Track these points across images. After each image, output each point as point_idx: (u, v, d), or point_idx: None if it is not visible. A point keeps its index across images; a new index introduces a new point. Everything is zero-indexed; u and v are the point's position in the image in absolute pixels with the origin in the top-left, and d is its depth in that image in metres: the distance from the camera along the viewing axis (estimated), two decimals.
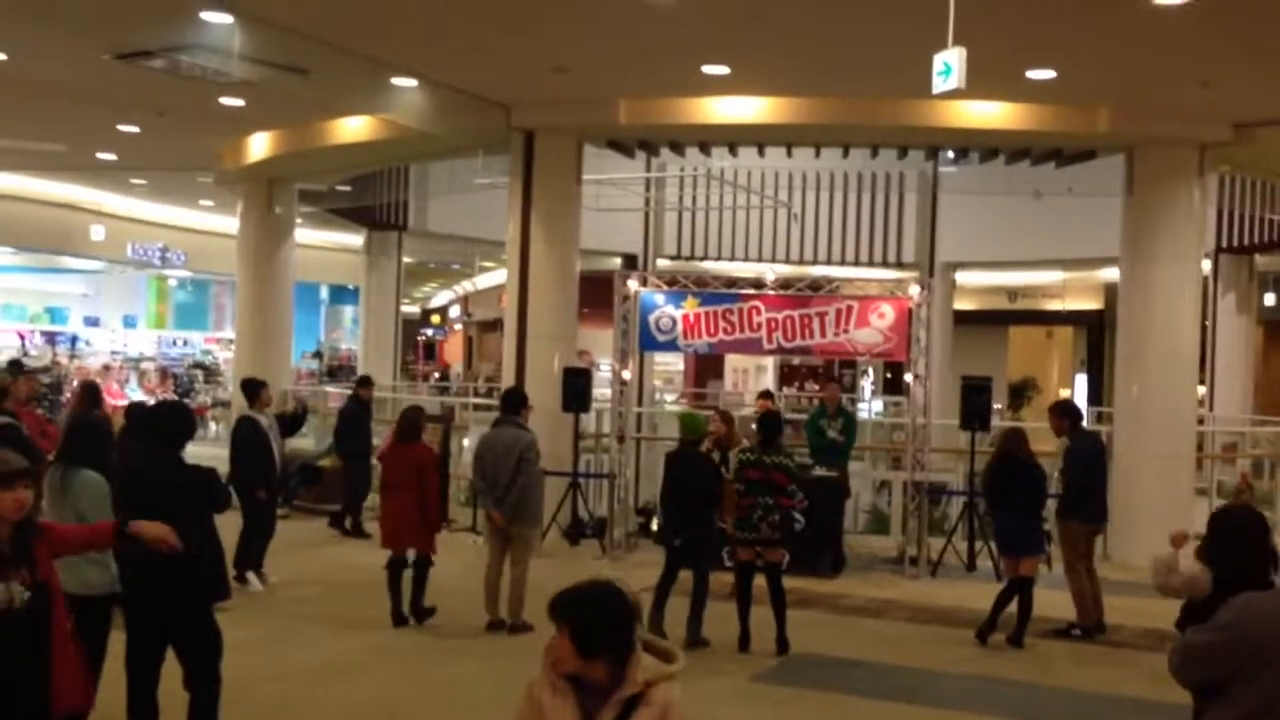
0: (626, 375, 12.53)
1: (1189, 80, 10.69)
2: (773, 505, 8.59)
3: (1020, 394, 26.50)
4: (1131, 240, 12.90)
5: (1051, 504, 9.84)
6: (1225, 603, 3.58)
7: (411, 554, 9.15)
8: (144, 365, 24.44)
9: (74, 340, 24.11)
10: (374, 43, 10.64)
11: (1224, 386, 19.86)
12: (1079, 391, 25.73)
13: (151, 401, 13.74)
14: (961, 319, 22.57)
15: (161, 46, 10.48)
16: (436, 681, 7.82)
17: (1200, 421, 14.88)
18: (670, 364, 27.79)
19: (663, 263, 20.76)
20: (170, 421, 5.89)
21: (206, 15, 9.53)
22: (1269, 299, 21.37)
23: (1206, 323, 18.22)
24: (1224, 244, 19.20)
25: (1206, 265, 16.66)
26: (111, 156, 16.99)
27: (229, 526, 8.53)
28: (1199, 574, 4.07)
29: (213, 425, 22.76)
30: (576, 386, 12.44)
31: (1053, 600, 9.56)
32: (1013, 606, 9.01)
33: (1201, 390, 17.44)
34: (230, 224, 18.27)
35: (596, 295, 15.57)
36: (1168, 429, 12.52)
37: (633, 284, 12.25)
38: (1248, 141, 12.36)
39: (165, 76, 11.33)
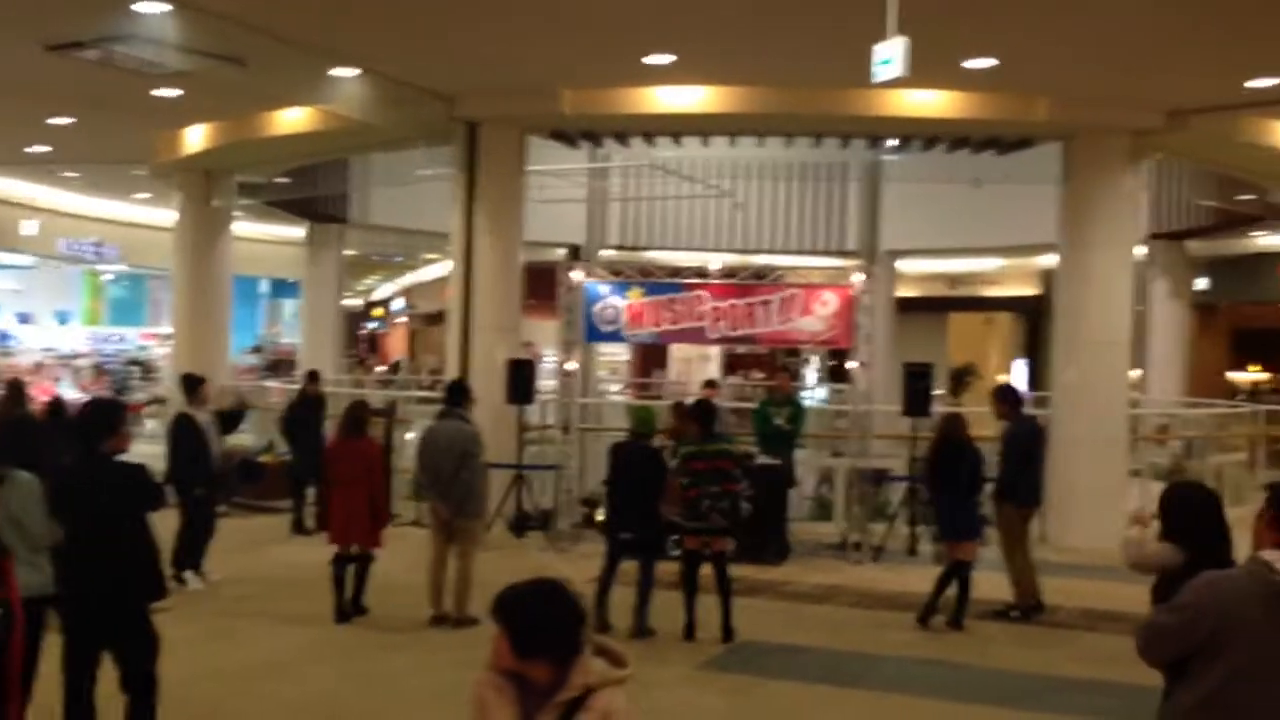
0: (571, 366, 12.51)
1: (1122, 69, 10.86)
2: (720, 493, 8.61)
3: (961, 380, 26.82)
4: (1068, 227, 13.09)
5: (989, 487, 9.98)
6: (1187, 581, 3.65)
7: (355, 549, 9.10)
8: (78, 362, 23.98)
9: (5, 337, 23.59)
10: (314, 33, 10.50)
11: (1158, 370, 20.26)
12: (1018, 376, 26.10)
13: (73, 397, 13.50)
14: (903, 306, 22.78)
15: (94, 37, 10.27)
16: (380, 677, 7.77)
17: (1135, 405, 15.15)
18: (615, 354, 27.77)
19: (607, 253, 20.71)
20: (97, 418, 5.77)
21: (140, 5, 9.36)
22: (1201, 284, 21.79)
23: (1141, 308, 18.55)
24: (1157, 230, 19.55)
25: (1141, 251, 16.95)
26: (43, 149, 16.64)
27: (170, 525, 8.44)
28: (1169, 550, 4.10)
29: (149, 422, 22.40)
30: (521, 378, 12.40)
31: (991, 583, 9.69)
32: (952, 590, 9.13)
33: (1136, 374, 17.77)
34: (166, 217, 17.97)
35: (541, 286, 15.51)
36: (1103, 413, 12.74)
37: (577, 275, 12.23)
38: (1180, 129, 12.58)
39: (98, 68, 11.11)
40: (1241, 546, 3.93)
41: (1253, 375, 24.62)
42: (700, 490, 8.60)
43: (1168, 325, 20.52)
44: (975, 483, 9.46)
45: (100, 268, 25.13)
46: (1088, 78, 11.50)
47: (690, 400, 10.53)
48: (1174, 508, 4.18)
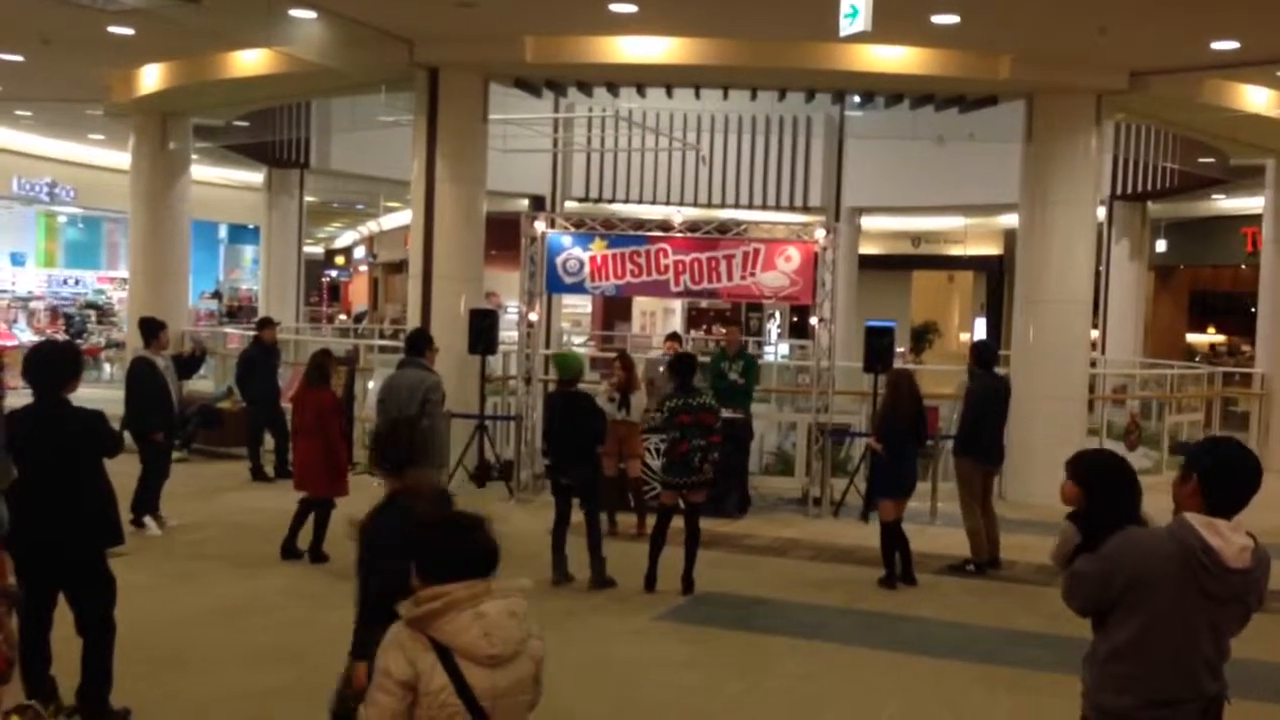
0: (534, 317, 12.47)
1: (1087, 28, 10.86)
2: (707, 445, 8.63)
3: (922, 337, 27.06)
4: (1030, 186, 13.13)
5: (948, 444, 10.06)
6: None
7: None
8: (33, 305, 23.65)
9: None
10: None
11: (1116, 330, 20.49)
12: (980, 335, 26.34)
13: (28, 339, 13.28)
14: (866, 263, 22.87)
15: None
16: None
17: (1092, 364, 15.31)
18: (578, 306, 27.74)
19: (570, 204, 20.62)
20: (50, 362, 5.66)
21: None
22: (1160, 245, 22.00)
23: (1100, 268, 18.72)
24: (1118, 191, 19.70)
25: (1101, 212, 17.06)
26: None
27: (127, 470, 8.34)
28: (1069, 531, 3.99)
29: (107, 367, 22.16)
30: (483, 328, 12.34)
31: (948, 538, 9.80)
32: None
33: (1095, 334, 17.97)
34: (123, 159, 17.64)
35: (504, 237, 15.41)
36: (1062, 371, 12.85)
37: (540, 225, 12.15)
38: (1142, 90, 12.62)
39: (49, 3, 10.82)
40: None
41: (1210, 338, 24.99)
42: (689, 444, 8.59)
43: (1126, 286, 20.72)
44: (919, 438, 9.48)
45: (55, 209, 24.71)
46: (1050, 37, 11.49)
47: (649, 354, 10.53)
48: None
